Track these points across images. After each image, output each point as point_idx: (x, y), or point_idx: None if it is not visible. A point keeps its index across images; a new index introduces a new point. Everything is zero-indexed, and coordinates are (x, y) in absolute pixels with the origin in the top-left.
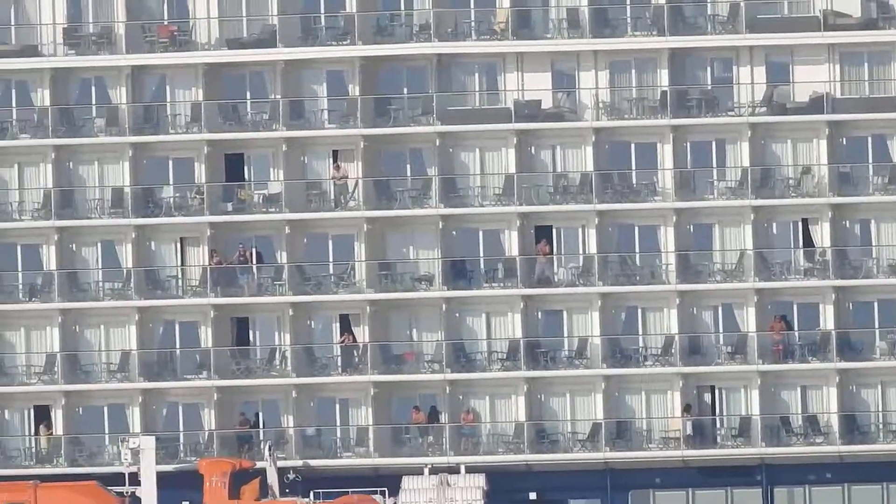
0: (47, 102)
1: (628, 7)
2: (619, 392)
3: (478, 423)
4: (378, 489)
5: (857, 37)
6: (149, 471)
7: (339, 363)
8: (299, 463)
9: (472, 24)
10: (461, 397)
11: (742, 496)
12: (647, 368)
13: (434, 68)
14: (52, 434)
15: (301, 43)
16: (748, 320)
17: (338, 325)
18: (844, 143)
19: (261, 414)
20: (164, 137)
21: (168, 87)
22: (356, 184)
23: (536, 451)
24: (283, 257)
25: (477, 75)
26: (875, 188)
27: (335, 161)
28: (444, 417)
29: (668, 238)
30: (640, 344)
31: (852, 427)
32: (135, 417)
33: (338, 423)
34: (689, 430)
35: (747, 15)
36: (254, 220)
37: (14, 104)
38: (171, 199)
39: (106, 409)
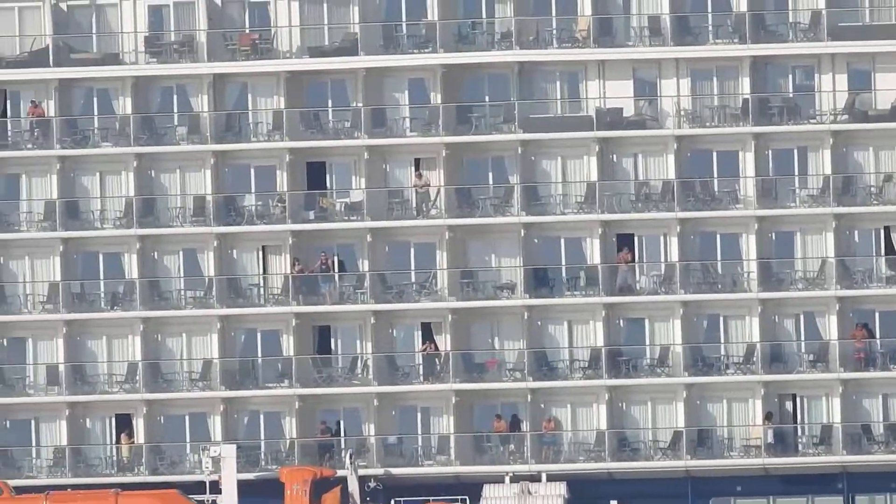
0: (129, 110)
1: (710, 15)
2: (700, 400)
3: (559, 431)
4: (459, 497)
5: None
6: (230, 479)
7: (421, 371)
8: (380, 471)
9: (554, 31)
10: (543, 405)
11: None
12: (728, 376)
13: (516, 76)
14: (133, 442)
15: (382, 51)
16: (830, 328)
17: (420, 333)
18: None
19: (342, 422)
20: (245, 145)
21: (250, 95)
22: (438, 192)
23: (617, 460)
24: (364, 265)
25: (558, 83)
26: None
27: (417, 169)
28: (525, 426)
29: (749, 246)
30: (722, 352)
31: None
32: (216, 426)
33: (419, 432)
34: (770, 438)
35: (829, 23)
36: (336, 228)
37: (96, 112)
38: (253, 208)
39: (187, 417)
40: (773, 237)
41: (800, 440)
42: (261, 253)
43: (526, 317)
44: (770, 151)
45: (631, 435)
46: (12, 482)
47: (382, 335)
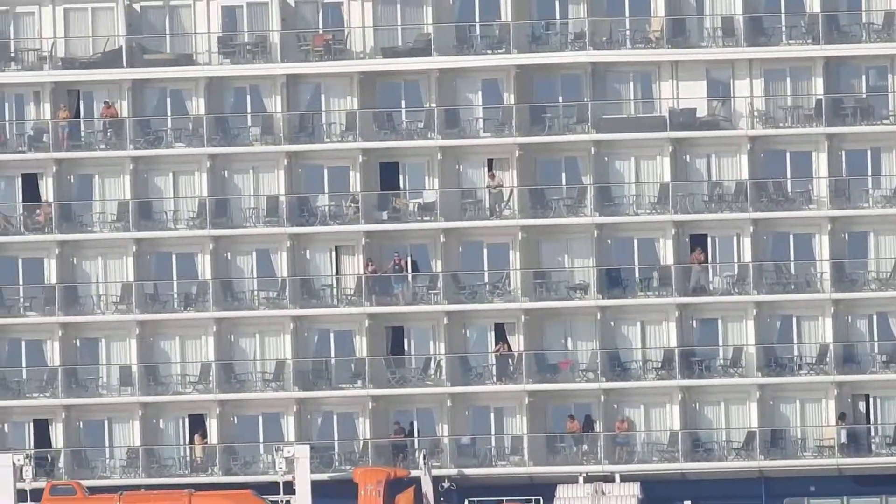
0: (202, 111)
1: (783, 16)
2: (773, 400)
3: (632, 431)
4: (532, 498)
5: None
6: (303, 479)
7: (494, 372)
8: (454, 472)
9: (627, 32)
10: (616, 406)
11: None
12: (801, 377)
13: (589, 76)
14: (206, 443)
15: (456, 52)
16: None
17: (493, 334)
18: None
19: (415, 423)
20: (318, 146)
21: (323, 96)
22: (511, 192)
23: (691, 460)
24: (438, 266)
25: (632, 84)
26: None
27: (490, 169)
28: (598, 426)
29: (822, 246)
30: (795, 352)
31: None
32: (289, 426)
33: (492, 432)
34: (843, 439)
35: None
36: (409, 228)
37: (169, 113)
38: (326, 208)
39: (261, 417)
40: (846, 238)
41: (873, 440)
42: (334, 253)
43: (599, 317)
44: (843, 152)
45: (704, 435)
46: (86, 482)
47: (455, 336)
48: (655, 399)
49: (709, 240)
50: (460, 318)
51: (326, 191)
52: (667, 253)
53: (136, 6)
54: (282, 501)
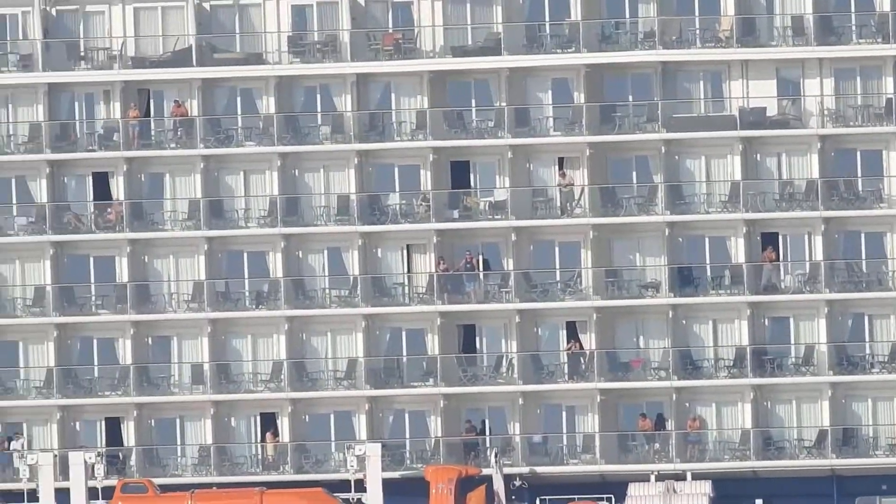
0: (272, 110)
1: (853, 15)
2: (845, 399)
3: (704, 430)
4: (604, 496)
5: None
6: (375, 478)
7: (566, 370)
8: (525, 470)
9: (697, 31)
10: (688, 404)
11: None
12: (873, 375)
13: (659, 75)
14: (278, 441)
15: (525, 51)
16: None
17: (564, 332)
18: None
19: (487, 421)
20: (389, 145)
21: (393, 95)
22: (582, 191)
23: (763, 458)
24: (509, 264)
25: (702, 82)
26: None
27: (561, 168)
28: (670, 424)
29: (894, 245)
30: (867, 351)
31: None
32: (361, 424)
33: (564, 430)
34: None
35: None
36: (480, 227)
37: (239, 112)
38: (398, 207)
39: (332, 416)
40: None
41: None
42: (405, 252)
43: (671, 316)
44: None
45: (776, 434)
46: (158, 481)
47: (527, 334)
48: (727, 397)
49: (780, 238)
50: (532, 317)
51: (397, 189)
52: (738, 251)
53: (206, 5)
54: (353, 500)
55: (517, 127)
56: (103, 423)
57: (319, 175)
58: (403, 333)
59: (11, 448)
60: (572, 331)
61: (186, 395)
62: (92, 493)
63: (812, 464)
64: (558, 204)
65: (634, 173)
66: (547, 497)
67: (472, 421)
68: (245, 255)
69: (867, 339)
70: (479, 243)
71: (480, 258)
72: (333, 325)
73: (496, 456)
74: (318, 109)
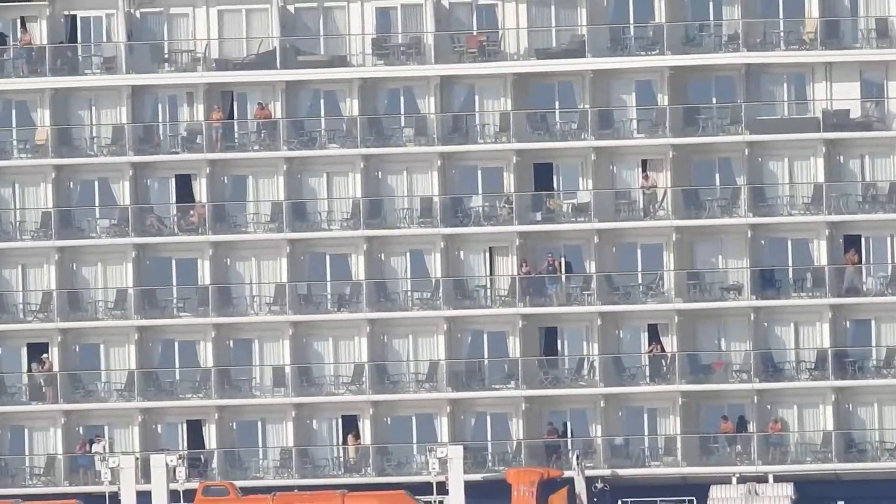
0: (356, 112)
1: None
2: None
3: (786, 432)
4: (686, 498)
5: None
6: (457, 480)
7: (648, 373)
8: (607, 472)
9: (781, 33)
10: (769, 407)
11: None
12: None
13: (742, 78)
14: (360, 444)
15: (609, 53)
16: None
17: (646, 334)
18: None
19: (569, 423)
20: (472, 147)
21: (476, 97)
22: (665, 193)
23: (844, 461)
24: (591, 267)
25: (785, 85)
26: None
27: (644, 170)
28: (752, 427)
29: None
30: None
31: None
32: (443, 427)
33: (646, 433)
34: None
35: None
36: (562, 229)
37: (323, 114)
38: (480, 209)
39: (414, 418)
40: None
41: None
42: (488, 254)
43: (752, 318)
44: None
45: (858, 436)
46: (239, 483)
47: (609, 336)
48: (809, 399)
49: (862, 240)
50: (614, 319)
51: (480, 191)
52: (821, 253)
53: (290, 7)
54: (435, 502)
55: (600, 129)
56: (185, 425)
57: (402, 177)
58: (485, 336)
59: (93, 451)
60: (654, 333)
61: (268, 398)
62: (173, 495)
63: (894, 466)
64: (641, 206)
65: (717, 175)
66: (629, 499)
67: (554, 423)
68: (327, 257)
69: None
70: (562, 245)
71: (563, 260)
72: (415, 327)
73: (578, 458)
74: (402, 112)
